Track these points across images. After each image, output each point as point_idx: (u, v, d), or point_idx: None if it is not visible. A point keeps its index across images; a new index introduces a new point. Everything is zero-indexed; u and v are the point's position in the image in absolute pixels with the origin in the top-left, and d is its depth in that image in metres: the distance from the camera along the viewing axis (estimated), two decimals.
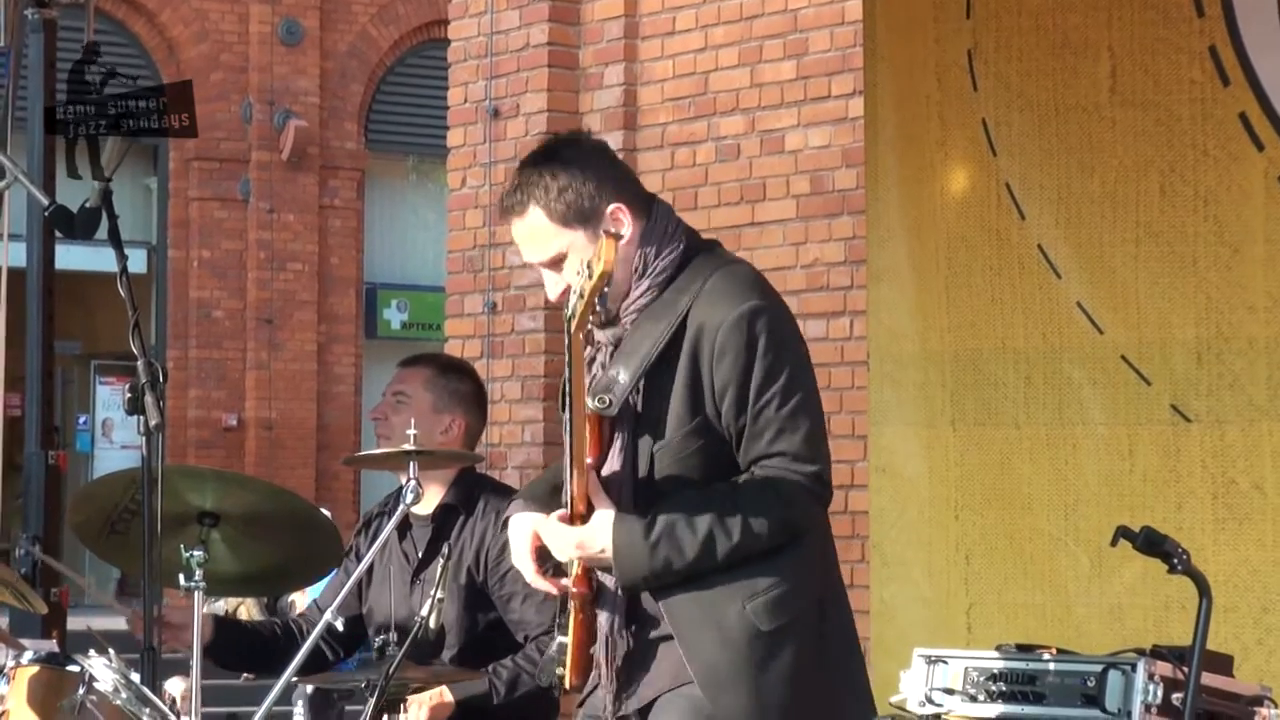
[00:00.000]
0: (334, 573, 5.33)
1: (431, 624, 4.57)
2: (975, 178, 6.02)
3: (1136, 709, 4.48)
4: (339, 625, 4.88)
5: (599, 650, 3.75)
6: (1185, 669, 4.50)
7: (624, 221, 3.76)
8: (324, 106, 20.69)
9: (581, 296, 3.56)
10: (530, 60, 8.97)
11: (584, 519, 3.69)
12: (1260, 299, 5.53)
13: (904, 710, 4.83)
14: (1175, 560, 4.54)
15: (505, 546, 4.92)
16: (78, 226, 4.44)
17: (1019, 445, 5.90)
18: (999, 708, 4.68)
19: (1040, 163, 5.88)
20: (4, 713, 4.38)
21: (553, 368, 8.65)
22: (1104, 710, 4.52)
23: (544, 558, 3.79)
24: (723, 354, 3.67)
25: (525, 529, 3.80)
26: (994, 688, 4.69)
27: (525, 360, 8.88)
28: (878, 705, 5.38)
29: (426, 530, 5.13)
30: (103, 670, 4.28)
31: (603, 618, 3.75)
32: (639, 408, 3.72)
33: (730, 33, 8.51)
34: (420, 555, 5.12)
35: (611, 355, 3.77)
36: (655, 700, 3.75)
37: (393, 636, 5.01)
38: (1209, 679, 4.56)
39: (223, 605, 13.94)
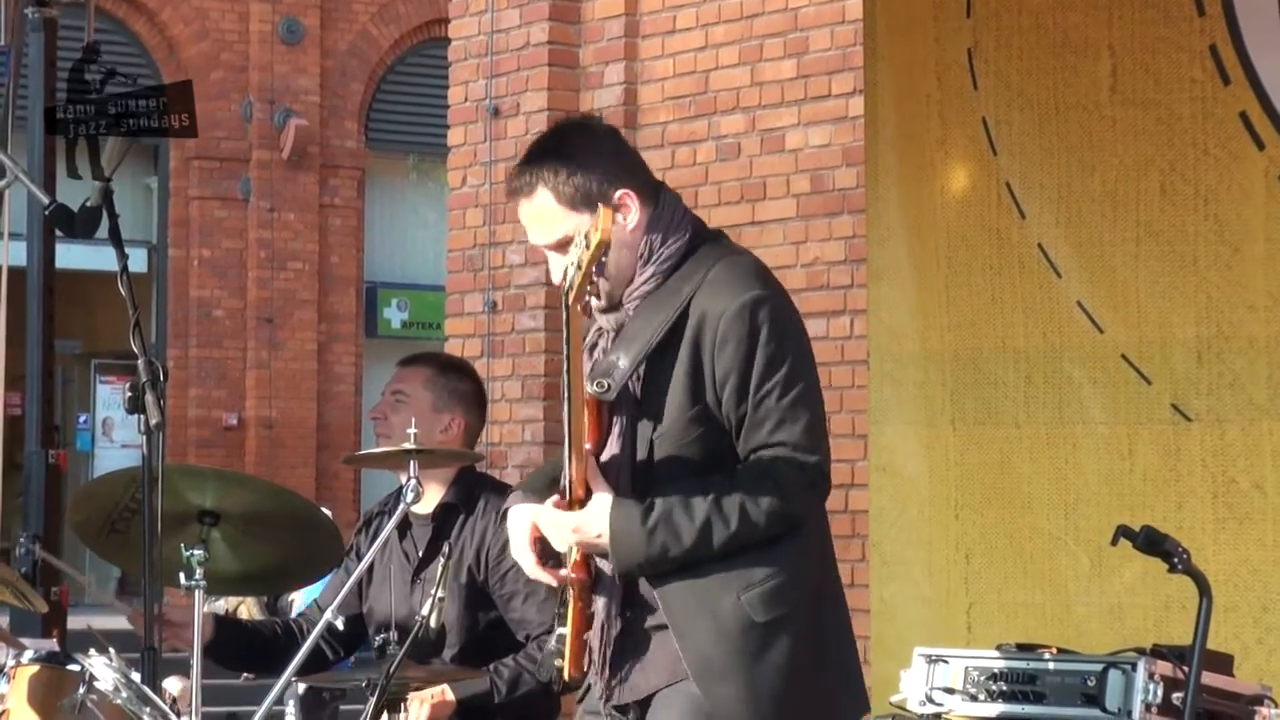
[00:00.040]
0: (334, 572, 5.33)
1: (432, 623, 4.57)
2: (975, 177, 6.02)
3: (1137, 708, 4.48)
4: (339, 624, 4.88)
5: (593, 635, 3.74)
6: (1185, 668, 4.50)
7: (631, 207, 3.76)
8: (324, 105, 20.69)
9: (579, 268, 3.55)
10: (530, 59, 8.97)
11: (582, 504, 3.69)
12: (1261, 298, 5.53)
13: (904, 709, 4.84)
14: (1175, 559, 4.54)
15: (506, 545, 4.92)
16: (78, 225, 4.44)
17: (1019, 444, 5.90)
18: (999, 707, 4.68)
19: (1040, 162, 5.88)
20: (4, 712, 4.38)
21: (553, 366, 8.65)
22: (1104, 710, 4.53)
23: (544, 549, 3.79)
24: (724, 342, 3.66)
25: (524, 520, 3.80)
26: (994, 687, 4.69)
27: (525, 359, 8.88)
28: (878, 704, 5.39)
29: (427, 529, 5.13)
30: (103, 669, 4.28)
31: (599, 604, 3.74)
32: (638, 394, 3.72)
33: (731, 31, 8.51)
34: (421, 554, 5.12)
35: (613, 341, 3.77)
36: (652, 696, 3.75)
37: (393, 636, 5.00)
38: (1209, 678, 4.56)
39: (223, 604, 13.94)
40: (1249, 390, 5.54)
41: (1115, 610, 5.69)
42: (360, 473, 19.86)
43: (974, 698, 4.71)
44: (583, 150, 3.76)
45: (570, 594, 3.76)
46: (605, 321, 3.81)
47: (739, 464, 3.69)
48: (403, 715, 4.76)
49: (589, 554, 3.73)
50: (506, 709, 4.97)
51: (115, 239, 4.29)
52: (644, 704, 3.78)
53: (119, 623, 4.95)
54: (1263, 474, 5.51)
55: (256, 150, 20.30)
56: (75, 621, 6.46)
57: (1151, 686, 4.49)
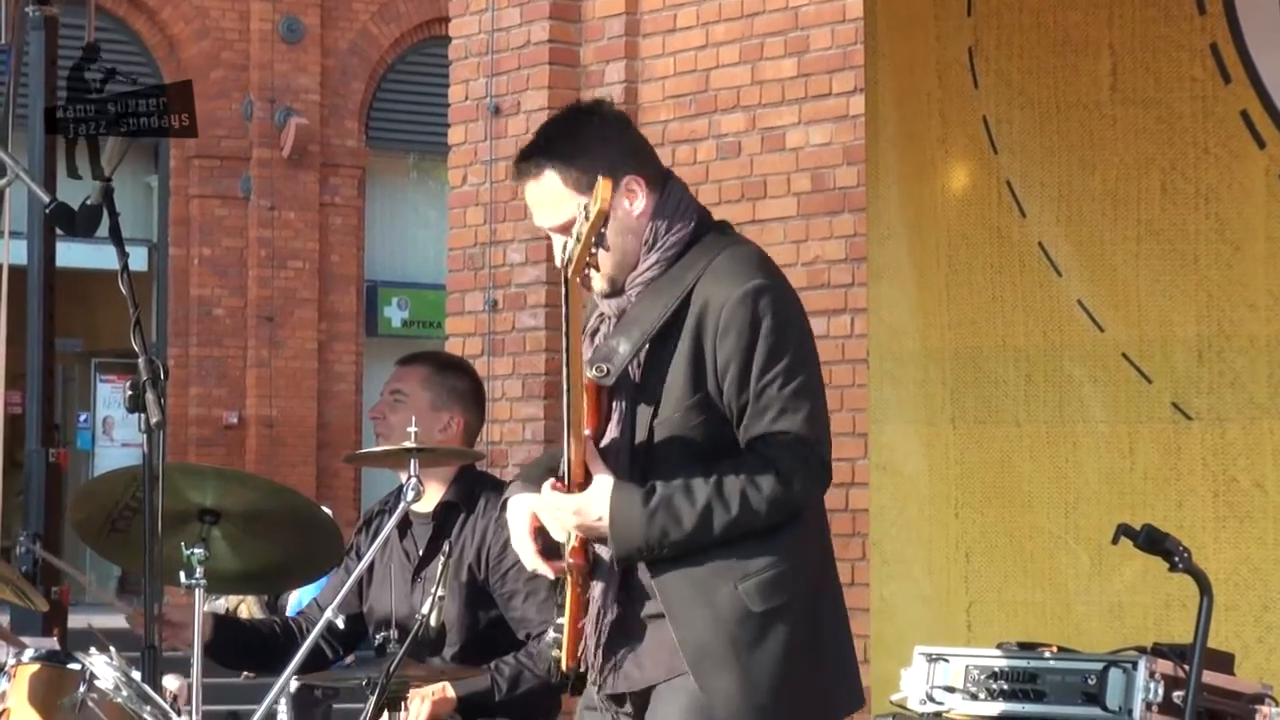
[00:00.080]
0: (334, 572, 5.33)
1: (432, 622, 4.56)
2: (976, 175, 6.02)
3: (1137, 707, 4.48)
4: (340, 623, 4.88)
5: (588, 622, 3.74)
6: (1186, 667, 4.50)
7: (638, 193, 3.76)
8: (325, 104, 20.70)
9: (578, 240, 3.54)
10: (531, 57, 8.97)
11: (581, 489, 3.68)
12: (1261, 297, 5.53)
13: (905, 708, 4.83)
14: (1176, 558, 4.54)
15: (507, 544, 4.92)
16: (79, 224, 4.44)
17: (1019, 443, 5.90)
18: (1000, 706, 4.68)
19: (1041, 160, 5.88)
20: (5, 710, 4.38)
21: (553, 365, 8.64)
22: (1105, 708, 4.53)
23: (544, 540, 3.78)
24: (726, 330, 3.66)
25: (524, 510, 3.79)
26: (995, 686, 4.69)
27: (526, 358, 8.88)
28: (878, 703, 5.39)
29: (427, 528, 5.13)
30: (104, 668, 4.28)
31: (596, 589, 3.73)
32: (638, 379, 3.71)
33: (731, 30, 8.51)
34: (421, 553, 5.12)
35: (614, 326, 3.77)
36: (649, 690, 3.74)
37: (393, 634, 5.01)
38: (1210, 677, 4.56)
39: (223, 603, 13.95)
40: (1250, 389, 5.54)
41: (1115, 609, 5.68)
42: (360, 471, 19.86)
43: (975, 696, 4.71)
44: (592, 134, 3.76)
45: (568, 584, 3.75)
46: (607, 307, 3.80)
47: (740, 452, 3.69)
48: (403, 713, 4.76)
49: (587, 540, 3.72)
50: (507, 707, 4.97)
51: (116, 237, 4.29)
52: (641, 697, 3.77)
53: (119, 621, 4.95)
54: (1263, 473, 5.51)
55: (257, 149, 20.30)
56: (76, 620, 6.47)
57: (1152, 685, 4.49)
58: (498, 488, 5.17)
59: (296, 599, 13.16)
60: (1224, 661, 4.77)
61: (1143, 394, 5.70)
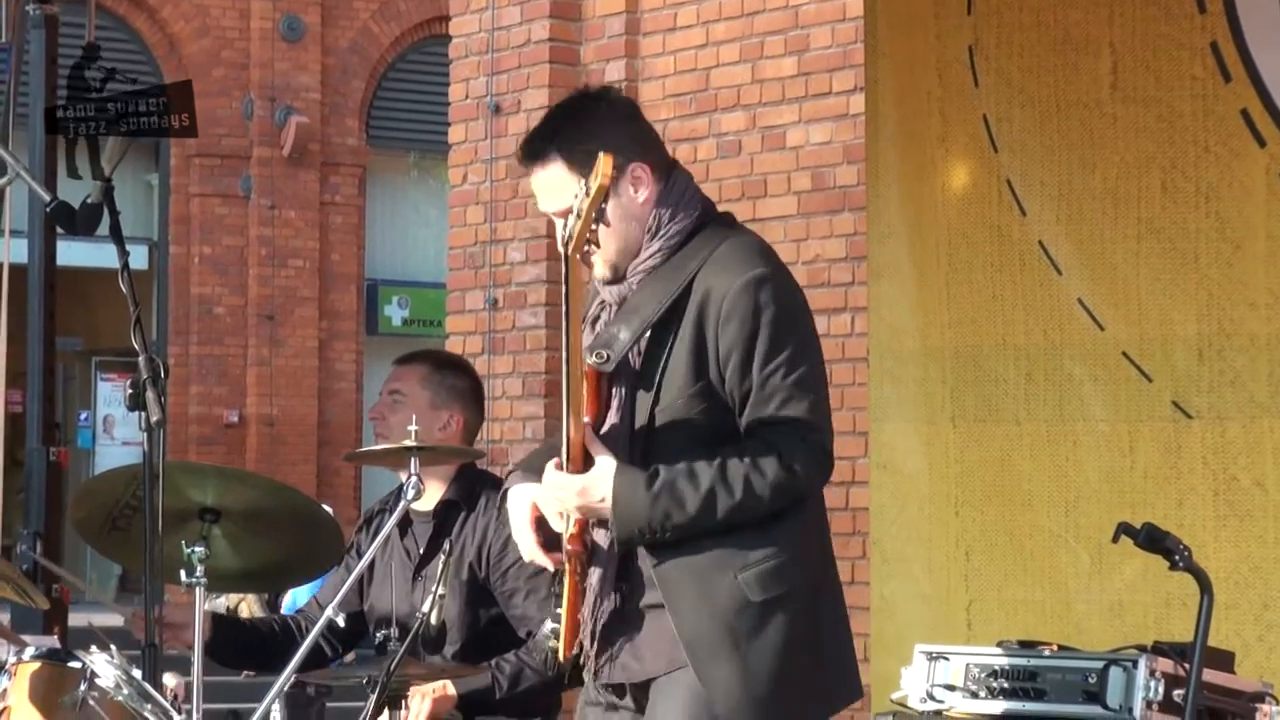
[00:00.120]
0: (334, 570, 5.34)
1: (433, 620, 4.57)
2: (976, 174, 6.02)
3: (1138, 705, 4.48)
4: (340, 621, 4.88)
5: (585, 608, 3.73)
6: (1186, 665, 4.50)
7: (643, 180, 3.76)
8: (325, 103, 20.69)
9: (579, 216, 3.54)
10: (531, 56, 8.97)
11: (580, 473, 3.68)
12: (1262, 295, 5.53)
13: (905, 706, 4.84)
14: (1177, 557, 4.54)
15: (507, 542, 4.93)
16: (79, 222, 4.44)
17: (1019, 442, 5.90)
18: (1000, 704, 4.68)
19: (1041, 159, 5.88)
20: (5, 709, 4.38)
21: (554, 364, 8.64)
22: (1105, 707, 4.53)
23: (544, 532, 3.78)
24: (729, 318, 3.66)
25: (524, 500, 3.79)
26: (995, 684, 4.69)
27: (526, 356, 8.88)
28: (878, 701, 5.39)
29: (428, 527, 5.13)
30: (104, 666, 4.28)
31: (594, 576, 3.73)
32: (638, 367, 3.71)
33: (731, 29, 8.52)
34: (422, 552, 5.12)
35: (614, 314, 3.77)
36: (649, 682, 3.74)
37: (394, 633, 5.01)
38: (1210, 675, 4.56)
39: (224, 602, 13.95)
40: (1250, 388, 5.54)
41: (1115, 608, 5.69)
42: (361, 470, 19.85)
43: (975, 695, 4.71)
44: (598, 120, 3.76)
45: (566, 573, 3.74)
46: (608, 294, 3.80)
47: (741, 439, 3.68)
48: (404, 711, 4.76)
49: (586, 527, 3.71)
50: (507, 704, 4.97)
51: (116, 236, 4.29)
52: (641, 689, 3.77)
53: (120, 620, 4.96)
54: (1263, 471, 5.51)
55: (257, 147, 20.30)
56: (76, 619, 6.47)
57: (1153, 684, 4.49)
58: (498, 486, 5.16)
59: (291, 598, 13.16)
60: (1224, 660, 4.77)
61: (1143, 393, 5.70)
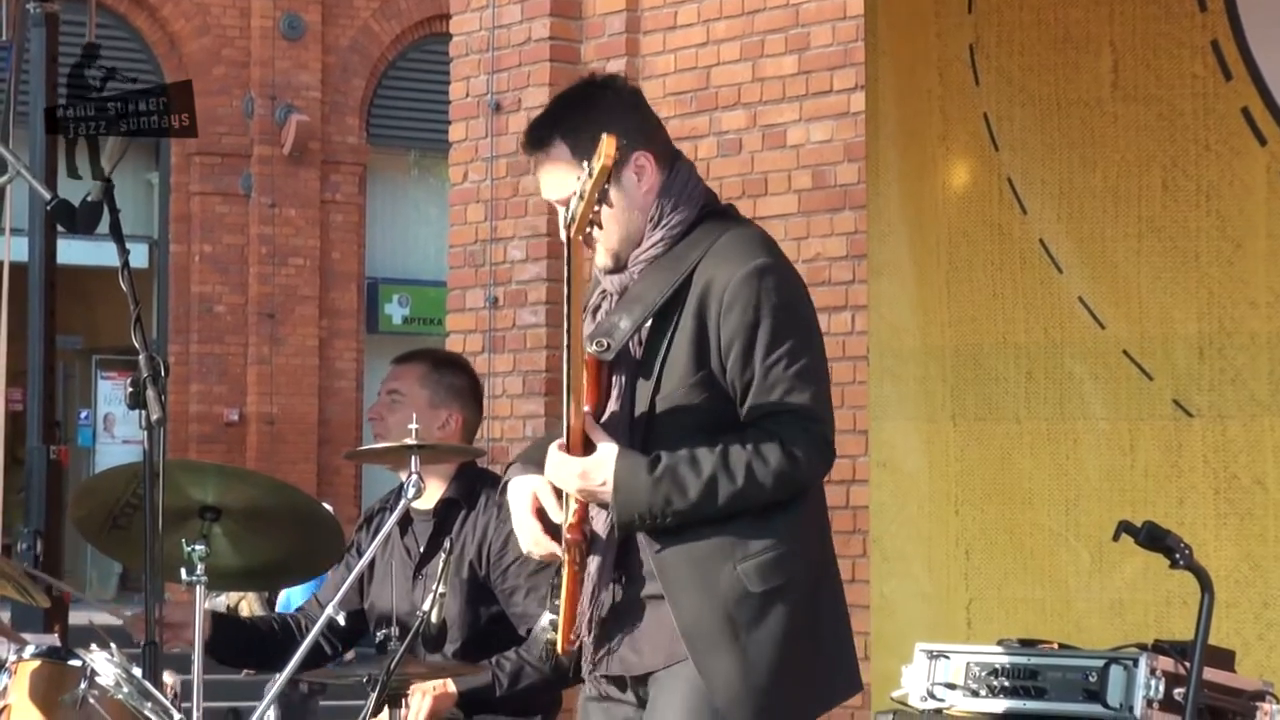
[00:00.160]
0: (334, 569, 5.34)
1: (433, 619, 4.57)
2: (977, 172, 6.02)
3: (1138, 704, 4.48)
4: (340, 619, 4.88)
5: (583, 599, 3.72)
6: (1187, 664, 4.50)
7: (647, 169, 3.76)
8: (325, 101, 20.69)
9: (581, 198, 3.53)
10: (532, 55, 8.97)
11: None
12: (1262, 294, 5.53)
13: (905, 705, 4.84)
14: (1177, 555, 4.54)
15: (508, 540, 4.93)
16: (79, 221, 4.44)
17: (1020, 440, 5.90)
18: (1001, 702, 4.68)
19: (1042, 157, 5.88)
20: (6, 707, 4.38)
21: (554, 362, 8.65)
22: (1106, 705, 4.53)
23: (544, 521, 3.78)
24: (730, 308, 3.66)
25: (525, 490, 3.79)
26: (996, 682, 4.69)
27: (527, 355, 8.88)
28: (879, 700, 5.39)
29: (428, 525, 5.13)
30: (104, 664, 4.28)
31: (592, 565, 3.72)
32: (639, 356, 3.71)
33: (732, 27, 8.51)
34: (422, 550, 5.12)
35: (615, 303, 3.77)
36: (648, 675, 3.74)
37: (394, 631, 5.01)
38: (1211, 674, 4.56)
39: (224, 600, 13.94)
40: (1250, 386, 5.54)
41: (1116, 606, 5.68)
42: (361, 468, 19.86)
43: (975, 693, 4.71)
44: (603, 108, 3.75)
45: (565, 564, 3.74)
46: (609, 284, 3.80)
47: (743, 428, 3.68)
48: (404, 709, 4.76)
49: (585, 516, 3.71)
50: (508, 702, 4.97)
51: (116, 234, 4.29)
52: (641, 682, 3.77)
53: (119, 619, 4.96)
54: (1264, 470, 5.51)
55: (258, 146, 20.30)
56: (77, 617, 6.47)
57: (1153, 682, 4.49)
58: (498, 484, 5.17)
59: (285, 597, 13.16)
60: (1225, 658, 4.77)
61: (1144, 391, 5.69)
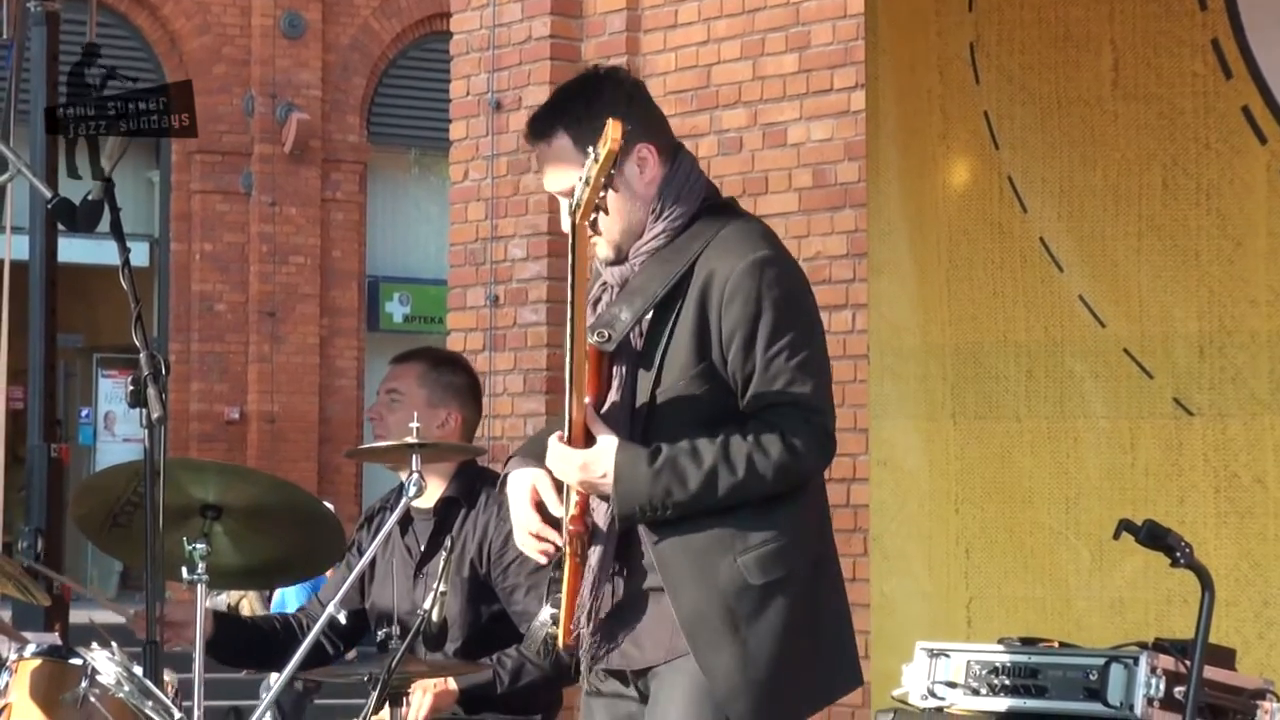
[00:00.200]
0: (336, 569, 5.34)
1: (434, 617, 4.57)
2: (977, 171, 6.02)
3: (1139, 702, 4.48)
4: (341, 618, 4.88)
5: (584, 590, 3.72)
6: (1188, 662, 4.50)
7: (649, 160, 3.76)
8: (326, 99, 20.69)
9: (587, 183, 3.53)
10: (532, 53, 8.97)
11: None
12: (1263, 292, 5.53)
13: (906, 703, 4.84)
14: (1178, 554, 4.54)
15: (508, 538, 4.93)
16: (80, 219, 4.44)
17: (1020, 439, 5.90)
18: (1001, 701, 4.68)
19: (1042, 156, 5.88)
20: (6, 706, 4.39)
21: (555, 361, 8.65)
22: (1106, 703, 4.53)
23: (543, 514, 3.77)
24: (732, 300, 3.66)
25: (524, 483, 3.79)
26: (996, 681, 4.69)
27: (527, 353, 8.88)
28: (879, 698, 5.39)
29: (428, 524, 5.13)
30: (105, 663, 4.28)
31: (593, 557, 3.72)
32: (639, 348, 3.71)
33: (732, 26, 8.51)
34: (423, 549, 5.12)
35: (616, 295, 3.77)
36: (649, 670, 3.73)
37: (395, 630, 5.01)
38: (1211, 672, 4.56)
39: (224, 599, 13.94)
40: (1251, 385, 5.54)
41: (1116, 605, 5.68)
42: (362, 467, 19.86)
43: (976, 691, 4.72)
44: (606, 99, 3.73)
45: (566, 557, 3.73)
46: (610, 275, 3.80)
47: (744, 420, 3.68)
48: (405, 707, 4.76)
49: (587, 508, 3.71)
50: (509, 699, 4.98)
51: (117, 233, 4.29)
52: (641, 676, 3.77)
53: (121, 618, 4.96)
54: (1264, 468, 5.51)
55: (258, 144, 20.31)
56: (77, 615, 6.47)
57: (1154, 680, 4.49)
58: (497, 483, 5.17)
59: (279, 597, 13.16)
60: (1225, 657, 4.77)
61: (1144, 389, 5.70)
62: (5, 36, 6.66)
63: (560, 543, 3.74)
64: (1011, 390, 5.92)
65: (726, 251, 3.69)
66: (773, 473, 3.62)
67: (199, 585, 4.49)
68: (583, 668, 3.83)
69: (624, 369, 3.71)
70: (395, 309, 21.46)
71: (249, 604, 14.18)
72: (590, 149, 3.53)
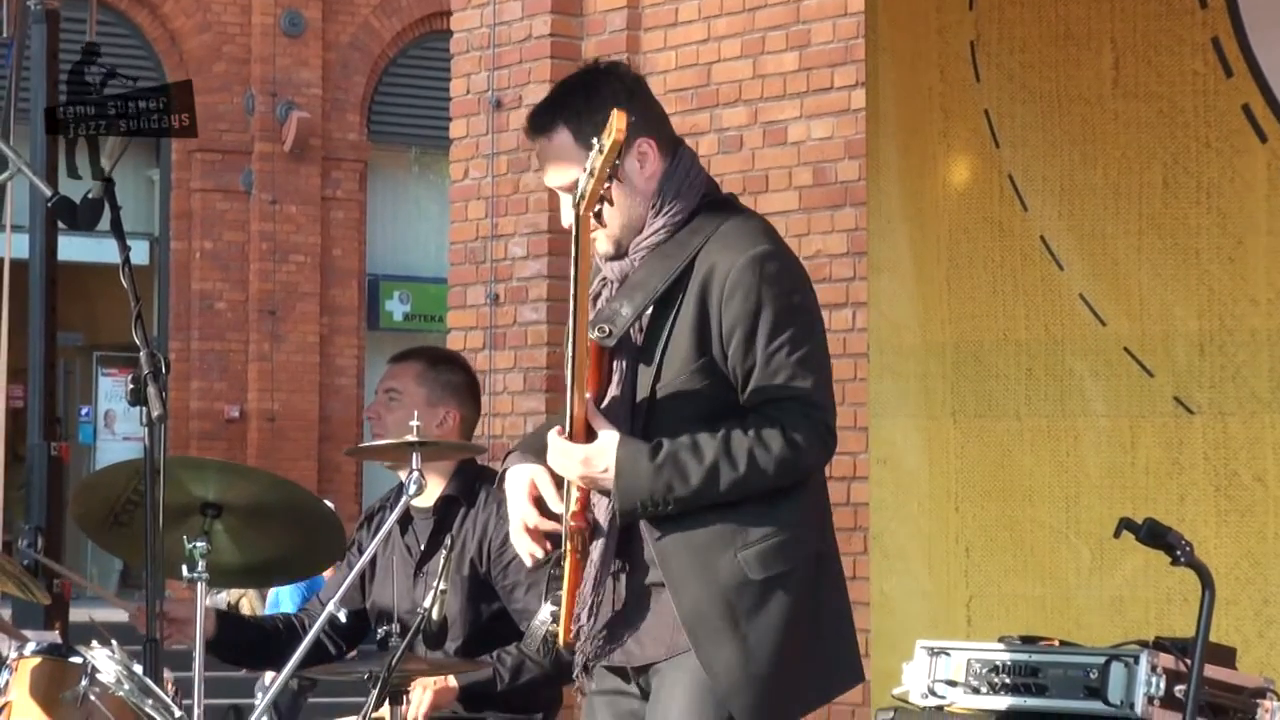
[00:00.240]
0: (337, 569, 5.34)
1: (434, 616, 4.57)
2: (978, 169, 6.01)
3: (1139, 701, 4.48)
4: (341, 617, 4.88)
5: (585, 586, 3.72)
6: (1188, 661, 4.50)
7: (649, 155, 3.76)
8: (326, 98, 20.69)
9: (592, 174, 3.52)
10: (533, 51, 8.97)
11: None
12: (1263, 291, 5.53)
13: (906, 702, 4.84)
14: (1179, 552, 4.54)
15: (508, 536, 4.93)
16: (80, 217, 4.44)
17: (1020, 437, 5.90)
18: (1002, 699, 4.68)
19: (1043, 154, 5.87)
20: (7, 704, 4.39)
21: (555, 359, 8.65)
22: (1106, 702, 4.53)
23: (542, 510, 3.77)
24: (732, 295, 3.66)
25: (523, 478, 3.78)
26: (997, 679, 4.69)
27: (527, 352, 8.88)
28: (879, 697, 5.39)
29: (428, 523, 5.13)
30: (105, 661, 4.28)
31: (594, 553, 3.72)
32: (640, 343, 3.71)
33: (733, 24, 8.51)
34: (423, 548, 5.12)
35: (616, 290, 3.77)
36: (650, 666, 3.73)
37: (395, 629, 5.01)
38: (1212, 671, 4.56)
39: (224, 597, 13.94)
40: (1251, 383, 5.54)
41: (1116, 603, 5.68)
42: (362, 465, 19.87)
43: (976, 690, 4.71)
44: (606, 94, 3.73)
45: (567, 553, 3.73)
46: (609, 270, 3.80)
47: (744, 414, 3.67)
48: (405, 705, 4.76)
49: (587, 504, 3.71)
50: (509, 697, 4.97)
51: (117, 231, 4.29)
52: (641, 672, 3.76)
53: (121, 615, 4.96)
54: (1265, 467, 5.51)
55: (259, 143, 20.30)
56: (77, 614, 6.47)
57: (1154, 679, 4.49)
58: (497, 481, 5.17)
59: (273, 596, 13.16)
60: (1226, 655, 4.77)
61: (1144, 388, 5.69)
62: (5, 35, 6.65)
63: (556, 541, 3.74)
64: (1012, 389, 5.92)
65: (727, 247, 3.69)
66: (774, 467, 3.62)
67: (199, 583, 4.49)
68: (576, 666, 3.82)
69: (624, 364, 3.71)
70: (395, 307, 21.46)
71: (249, 602, 14.17)
72: (595, 140, 3.52)
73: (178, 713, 4.20)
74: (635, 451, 3.63)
